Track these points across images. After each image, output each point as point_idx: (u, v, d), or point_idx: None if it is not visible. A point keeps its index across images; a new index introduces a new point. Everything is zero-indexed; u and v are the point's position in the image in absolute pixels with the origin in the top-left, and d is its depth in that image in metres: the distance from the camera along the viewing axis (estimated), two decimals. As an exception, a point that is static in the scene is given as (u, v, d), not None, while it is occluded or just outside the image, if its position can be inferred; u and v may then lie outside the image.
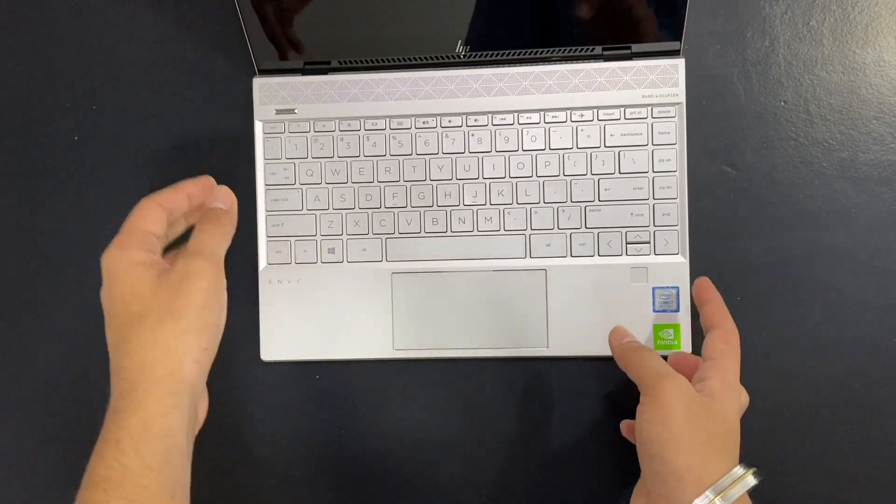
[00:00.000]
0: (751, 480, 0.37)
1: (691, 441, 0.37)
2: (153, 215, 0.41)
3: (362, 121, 0.50)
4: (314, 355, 0.50)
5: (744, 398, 0.42)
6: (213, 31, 0.52)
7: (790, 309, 0.48)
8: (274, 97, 0.50)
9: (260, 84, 0.50)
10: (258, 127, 0.50)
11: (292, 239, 0.50)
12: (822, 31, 0.49)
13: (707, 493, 0.36)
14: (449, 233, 0.49)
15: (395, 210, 0.50)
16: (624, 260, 0.48)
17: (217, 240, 0.41)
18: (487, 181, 0.49)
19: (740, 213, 0.49)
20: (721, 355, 0.41)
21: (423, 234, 0.50)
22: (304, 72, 0.50)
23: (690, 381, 0.40)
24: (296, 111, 0.50)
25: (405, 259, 0.50)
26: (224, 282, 0.40)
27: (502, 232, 0.49)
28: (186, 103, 0.52)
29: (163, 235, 0.42)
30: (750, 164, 0.49)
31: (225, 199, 0.43)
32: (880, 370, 0.48)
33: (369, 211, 0.50)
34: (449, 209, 0.49)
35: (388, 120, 0.49)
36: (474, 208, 0.49)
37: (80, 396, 0.51)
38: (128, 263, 0.39)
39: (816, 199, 0.48)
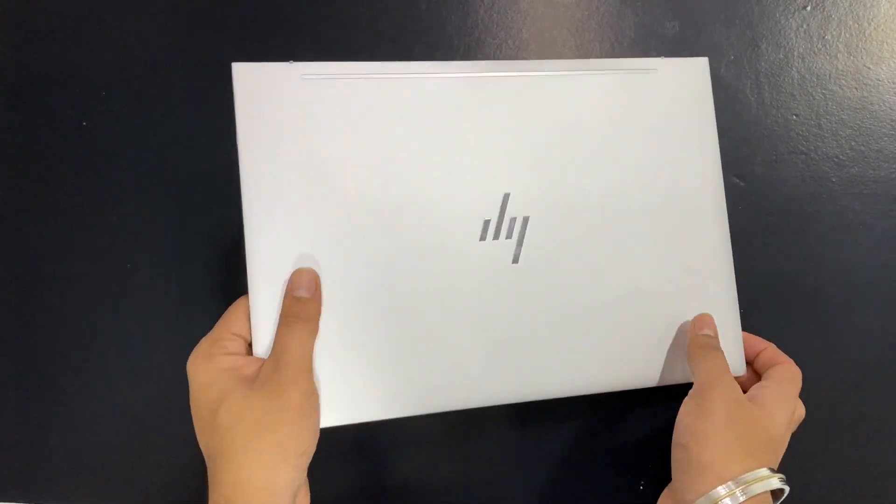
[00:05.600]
0: (774, 482, 0.37)
1: (721, 438, 0.38)
2: (244, 316, 0.39)
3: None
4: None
5: (799, 411, 0.42)
6: (225, 18, 0.51)
7: (796, 323, 0.48)
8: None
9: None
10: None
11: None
12: (836, 46, 0.48)
13: (729, 483, 0.37)
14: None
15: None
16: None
17: (302, 339, 0.38)
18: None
19: (748, 226, 0.48)
20: (786, 376, 0.42)
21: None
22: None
23: (750, 374, 0.42)
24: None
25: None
26: (315, 383, 0.38)
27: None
28: (196, 89, 0.51)
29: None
30: (759, 176, 0.48)
31: (307, 283, 0.39)
32: (886, 387, 0.47)
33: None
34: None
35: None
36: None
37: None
38: (215, 373, 0.37)
39: (825, 214, 0.48)
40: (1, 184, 0.52)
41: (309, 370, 0.38)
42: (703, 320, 0.44)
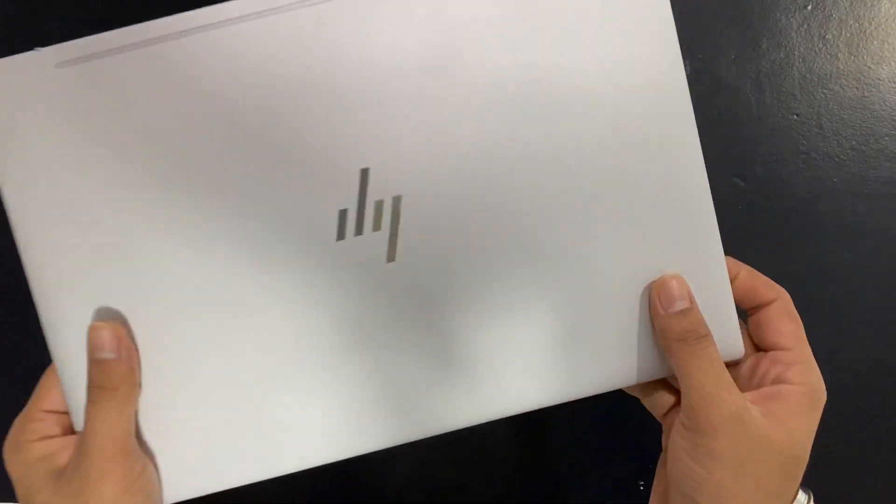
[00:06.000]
0: None
1: (735, 490, 0.30)
2: (56, 390, 0.33)
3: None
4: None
5: (822, 400, 0.34)
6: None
7: (795, 324, 0.48)
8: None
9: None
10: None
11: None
12: (837, 45, 0.48)
13: None
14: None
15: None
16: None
17: (110, 415, 0.31)
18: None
19: (748, 226, 0.48)
20: (794, 340, 0.33)
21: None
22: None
23: (750, 316, 0.32)
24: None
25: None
26: (138, 464, 0.31)
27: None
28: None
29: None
30: (759, 176, 0.48)
31: (109, 341, 0.31)
32: (887, 388, 0.47)
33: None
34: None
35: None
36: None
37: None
38: (24, 466, 0.31)
39: (825, 213, 0.48)
40: None
41: (124, 452, 0.31)
42: (670, 289, 0.32)
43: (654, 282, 0.32)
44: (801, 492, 0.32)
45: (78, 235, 0.31)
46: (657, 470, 0.37)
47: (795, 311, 0.34)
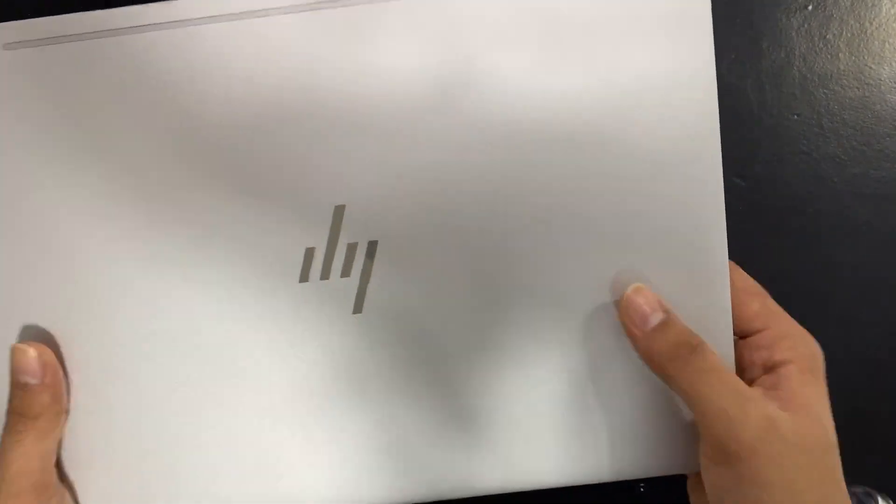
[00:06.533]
0: None
1: (790, 500, 0.26)
2: None
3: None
4: None
5: (821, 358, 0.31)
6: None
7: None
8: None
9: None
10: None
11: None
12: (838, 45, 0.48)
13: None
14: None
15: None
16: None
17: (26, 447, 0.27)
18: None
19: (748, 226, 0.48)
20: (764, 318, 0.30)
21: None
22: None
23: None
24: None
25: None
26: (53, 498, 0.28)
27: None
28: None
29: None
30: (760, 176, 0.48)
31: (32, 366, 0.28)
32: (888, 388, 0.47)
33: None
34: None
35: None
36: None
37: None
38: None
39: (826, 214, 0.48)
40: None
41: (37, 488, 0.28)
42: (637, 304, 0.28)
43: (620, 300, 0.28)
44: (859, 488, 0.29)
45: (9, 237, 0.27)
46: None
47: (755, 282, 0.31)
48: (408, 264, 0.27)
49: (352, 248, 0.27)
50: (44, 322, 0.28)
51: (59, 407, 0.28)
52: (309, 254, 0.27)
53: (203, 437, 0.28)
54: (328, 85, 0.26)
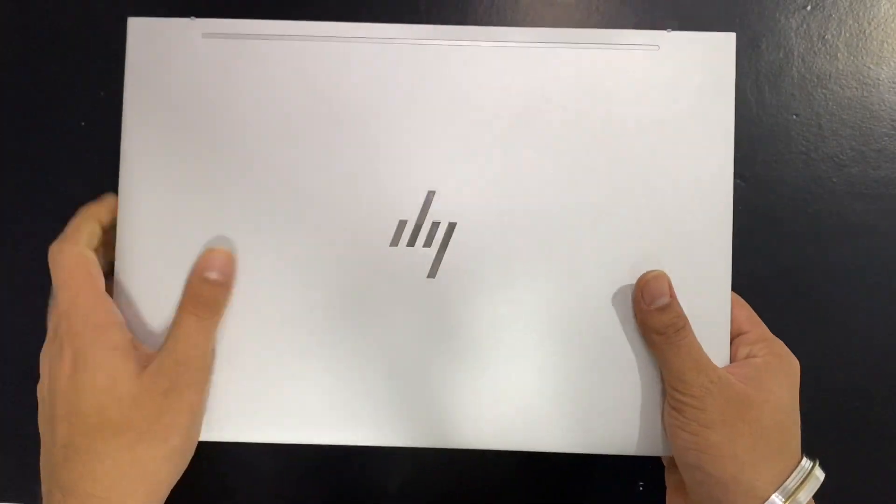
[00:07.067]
0: (820, 475, 0.34)
1: (734, 449, 0.33)
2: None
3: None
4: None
5: (795, 366, 0.36)
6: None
7: (795, 325, 0.48)
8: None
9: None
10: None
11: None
12: (837, 46, 0.48)
13: (773, 497, 0.32)
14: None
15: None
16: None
17: (207, 333, 0.33)
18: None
19: (747, 226, 0.48)
20: (751, 324, 0.37)
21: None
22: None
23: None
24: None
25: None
26: (210, 382, 0.34)
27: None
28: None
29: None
30: (759, 176, 0.48)
31: (221, 265, 0.34)
32: (888, 389, 0.47)
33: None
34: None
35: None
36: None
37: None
38: (103, 348, 0.31)
39: (825, 214, 0.48)
40: (1, 184, 0.52)
41: (208, 368, 0.34)
42: (653, 286, 0.35)
43: (640, 278, 0.36)
44: (804, 458, 0.34)
45: (180, 166, 0.36)
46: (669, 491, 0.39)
47: (741, 298, 0.39)
48: (477, 245, 0.35)
49: (435, 226, 0.35)
50: (228, 233, 0.36)
51: (225, 307, 0.35)
52: (401, 225, 0.35)
53: (302, 367, 0.36)
54: (448, 99, 0.36)
